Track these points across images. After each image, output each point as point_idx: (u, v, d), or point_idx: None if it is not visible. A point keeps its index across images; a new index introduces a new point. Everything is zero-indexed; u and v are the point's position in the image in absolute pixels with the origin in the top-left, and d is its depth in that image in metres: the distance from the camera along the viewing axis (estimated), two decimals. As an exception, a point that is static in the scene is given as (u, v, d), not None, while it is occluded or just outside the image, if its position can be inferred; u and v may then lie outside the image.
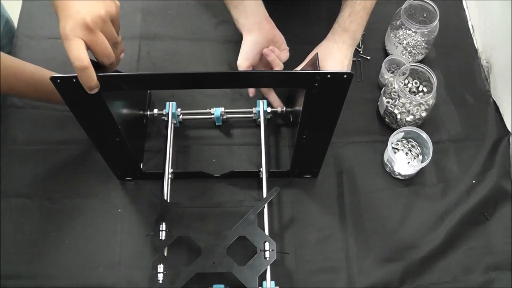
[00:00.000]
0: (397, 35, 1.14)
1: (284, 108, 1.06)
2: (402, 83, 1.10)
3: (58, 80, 0.68)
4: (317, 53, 0.79)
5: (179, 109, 1.05)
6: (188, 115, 1.07)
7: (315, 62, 0.76)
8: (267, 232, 0.90)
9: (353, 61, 1.17)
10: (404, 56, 1.14)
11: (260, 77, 0.73)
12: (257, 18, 0.98)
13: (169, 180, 0.98)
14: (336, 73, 0.68)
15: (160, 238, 0.89)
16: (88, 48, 0.66)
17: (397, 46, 1.14)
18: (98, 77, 0.68)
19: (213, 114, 1.05)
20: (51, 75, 0.92)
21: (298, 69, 1.00)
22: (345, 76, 0.68)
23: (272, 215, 0.99)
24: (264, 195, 0.94)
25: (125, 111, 0.90)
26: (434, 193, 1.03)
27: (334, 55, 0.99)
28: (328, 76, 0.68)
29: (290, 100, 1.07)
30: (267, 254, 0.87)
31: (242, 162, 1.05)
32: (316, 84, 0.70)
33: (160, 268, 0.86)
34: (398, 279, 0.94)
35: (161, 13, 1.16)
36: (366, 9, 1.01)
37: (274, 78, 0.73)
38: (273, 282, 0.87)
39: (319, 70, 0.73)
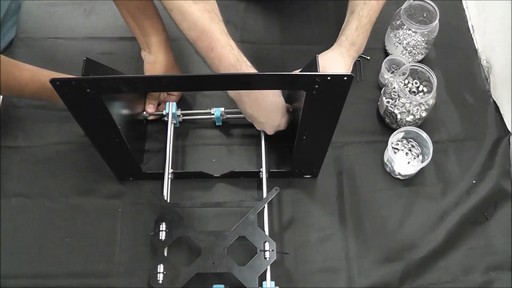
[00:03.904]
0: (397, 35, 1.13)
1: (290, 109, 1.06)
2: (402, 83, 1.10)
3: (58, 83, 0.68)
4: (317, 55, 0.79)
5: (179, 109, 1.06)
6: (188, 115, 1.07)
7: (315, 64, 0.76)
8: (267, 232, 0.90)
9: (353, 61, 1.18)
10: (404, 56, 1.14)
11: (260, 79, 0.73)
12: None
13: (169, 180, 0.98)
14: (336, 75, 0.68)
15: (160, 238, 0.89)
16: None
17: (397, 46, 1.14)
18: (98, 80, 0.69)
19: (213, 114, 1.05)
20: (49, 74, 0.93)
21: (298, 71, 1.00)
22: (345, 78, 0.68)
23: (272, 215, 0.99)
24: (264, 195, 0.94)
25: (124, 112, 0.90)
26: (434, 193, 1.03)
27: (340, 69, 1.00)
28: (328, 78, 0.68)
29: (290, 100, 1.07)
30: (267, 254, 0.87)
31: (242, 162, 1.05)
32: (316, 86, 0.70)
33: (160, 268, 0.86)
34: (398, 279, 0.94)
35: (161, 13, 1.15)
36: (371, 22, 1.03)
37: (274, 80, 0.73)
38: (273, 282, 0.87)
39: (319, 72, 0.73)
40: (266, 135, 1.02)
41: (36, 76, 0.94)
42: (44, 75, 0.94)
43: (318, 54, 0.81)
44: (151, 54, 1.04)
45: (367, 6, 1.02)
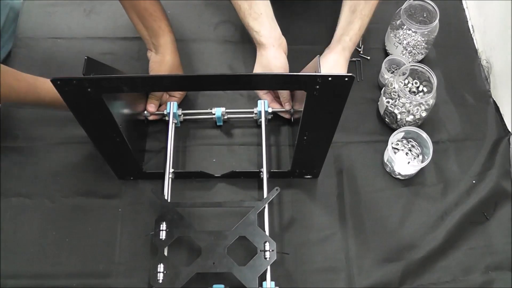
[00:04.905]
0: (397, 35, 1.13)
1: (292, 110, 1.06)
2: (402, 83, 1.10)
3: (59, 82, 0.68)
4: (318, 56, 0.79)
5: (180, 109, 1.06)
6: (189, 115, 1.07)
7: (316, 65, 0.76)
8: (267, 232, 0.90)
9: (353, 61, 1.18)
10: (404, 56, 1.14)
11: (261, 80, 0.73)
12: (277, 33, 0.99)
13: (170, 180, 0.98)
14: (337, 76, 0.68)
15: (160, 237, 0.89)
16: None
17: (397, 46, 1.14)
18: (99, 79, 0.69)
19: (214, 114, 1.05)
20: (47, 86, 0.93)
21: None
22: (346, 79, 0.68)
23: (272, 215, 0.99)
24: (265, 195, 0.94)
25: (125, 111, 0.90)
26: (434, 193, 1.03)
27: (342, 71, 1.00)
28: (329, 79, 0.68)
29: (291, 96, 1.07)
30: (267, 254, 0.87)
31: (242, 162, 1.05)
32: (318, 87, 0.70)
33: (160, 268, 0.86)
34: (398, 279, 0.94)
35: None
36: (370, 19, 1.03)
37: (275, 80, 0.73)
38: (273, 283, 0.87)
39: (320, 72, 0.73)
40: (267, 135, 1.02)
41: (33, 87, 0.93)
42: (42, 88, 0.94)
43: (319, 54, 0.81)
44: (158, 54, 1.04)
45: (368, 5, 1.02)
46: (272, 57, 0.98)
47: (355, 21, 1.01)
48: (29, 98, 0.93)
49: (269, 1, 0.99)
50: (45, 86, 0.94)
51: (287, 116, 1.07)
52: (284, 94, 1.04)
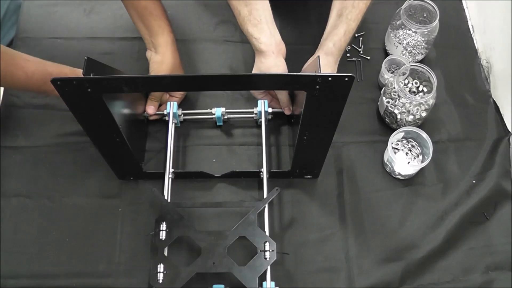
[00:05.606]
0: (397, 35, 1.13)
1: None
2: (402, 83, 1.10)
3: (59, 82, 0.68)
4: (318, 56, 0.79)
5: (180, 109, 1.06)
6: (189, 115, 1.07)
7: (316, 65, 0.76)
8: (267, 232, 0.90)
9: (353, 61, 1.18)
10: (404, 56, 1.14)
11: (262, 80, 0.73)
12: (277, 38, 0.98)
13: (170, 180, 0.98)
14: (338, 76, 0.68)
15: (160, 237, 0.89)
16: None
17: (397, 46, 1.14)
18: (99, 79, 0.69)
19: (214, 114, 1.05)
20: (55, 65, 0.93)
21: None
22: (346, 79, 0.68)
23: (272, 215, 0.99)
24: (265, 195, 0.94)
25: (125, 111, 0.90)
26: (434, 193, 1.03)
27: None
28: (330, 79, 0.68)
29: (291, 100, 1.07)
30: (267, 254, 0.87)
31: (242, 162, 1.05)
32: (318, 87, 0.70)
33: (160, 268, 0.86)
34: (398, 279, 0.94)
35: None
36: (358, 24, 1.02)
37: (275, 80, 0.73)
38: (273, 283, 0.87)
39: (320, 72, 0.73)
40: (267, 135, 1.02)
41: (42, 66, 0.94)
42: (50, 65, 0.95)
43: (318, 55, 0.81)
44: (158, 54, 1.04)
45: (355, 9, 0.99)
46: (273, 65, 0.97)
47: (340, 25, 1.00)
48: (37, 77, 0.93)
49: (269, 6, 0.98)
50: (53, 64, 0.96)
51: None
52: (283, 99, 1.04)
